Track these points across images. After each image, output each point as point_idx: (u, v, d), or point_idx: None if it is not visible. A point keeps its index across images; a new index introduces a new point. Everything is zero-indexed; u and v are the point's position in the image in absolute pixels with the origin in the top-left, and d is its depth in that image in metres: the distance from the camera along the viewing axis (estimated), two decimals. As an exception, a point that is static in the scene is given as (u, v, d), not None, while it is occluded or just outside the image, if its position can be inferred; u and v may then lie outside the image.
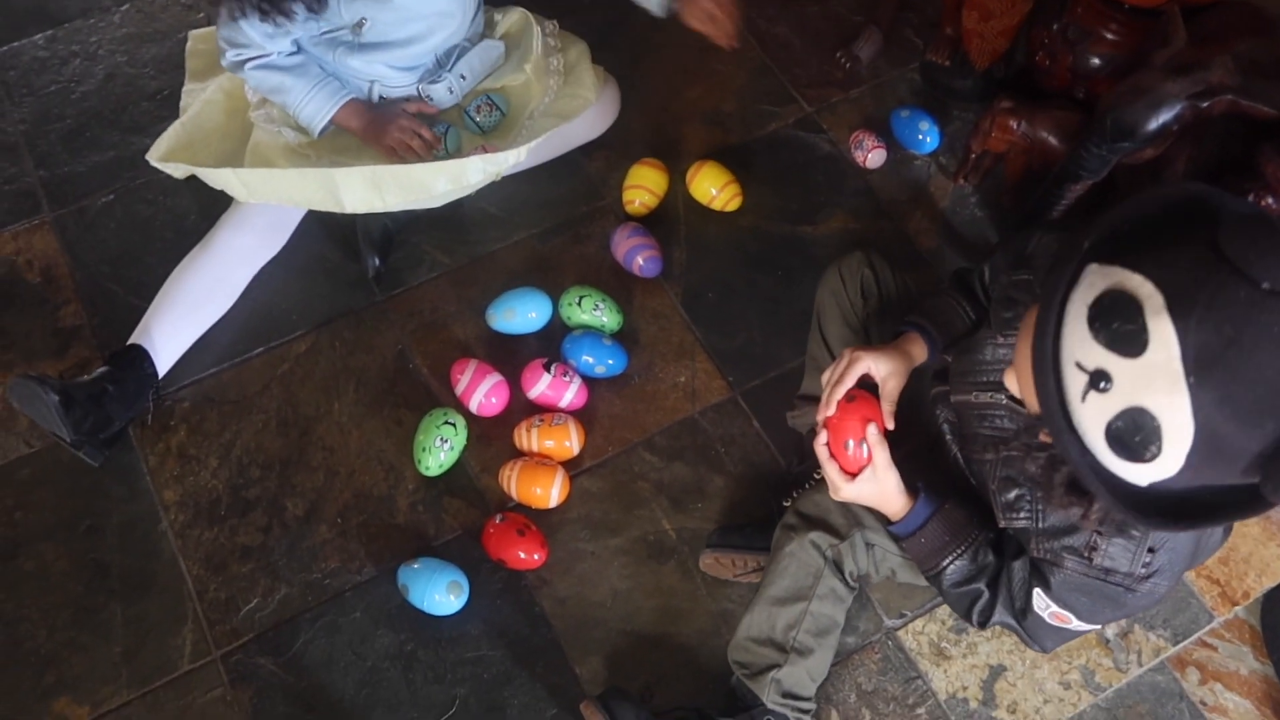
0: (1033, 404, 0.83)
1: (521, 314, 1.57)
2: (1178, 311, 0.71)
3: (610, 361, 1.54)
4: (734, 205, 1.70)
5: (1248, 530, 1.48)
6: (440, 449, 1.46)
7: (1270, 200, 1.31)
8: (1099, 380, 0.74)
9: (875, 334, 1.29)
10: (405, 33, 1.49)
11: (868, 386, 1.11)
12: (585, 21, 1.86)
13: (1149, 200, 0.80)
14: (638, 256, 1.61)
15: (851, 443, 1.08)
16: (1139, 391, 0.73)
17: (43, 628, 1.40)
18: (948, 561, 1.08)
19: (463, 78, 1.58)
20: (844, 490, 1.09)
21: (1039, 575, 1.03)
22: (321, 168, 1.50)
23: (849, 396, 1.09)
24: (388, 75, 1.54)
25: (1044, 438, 0.93)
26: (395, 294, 1.64)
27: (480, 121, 1.60)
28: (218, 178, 1.51)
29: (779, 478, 1.47)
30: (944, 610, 1.41)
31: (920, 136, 1.76)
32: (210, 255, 1.56)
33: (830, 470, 1.09)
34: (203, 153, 1.57)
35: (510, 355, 1.57)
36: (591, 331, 1.57)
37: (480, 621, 1.40)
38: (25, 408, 1.43)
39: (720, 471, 1.50)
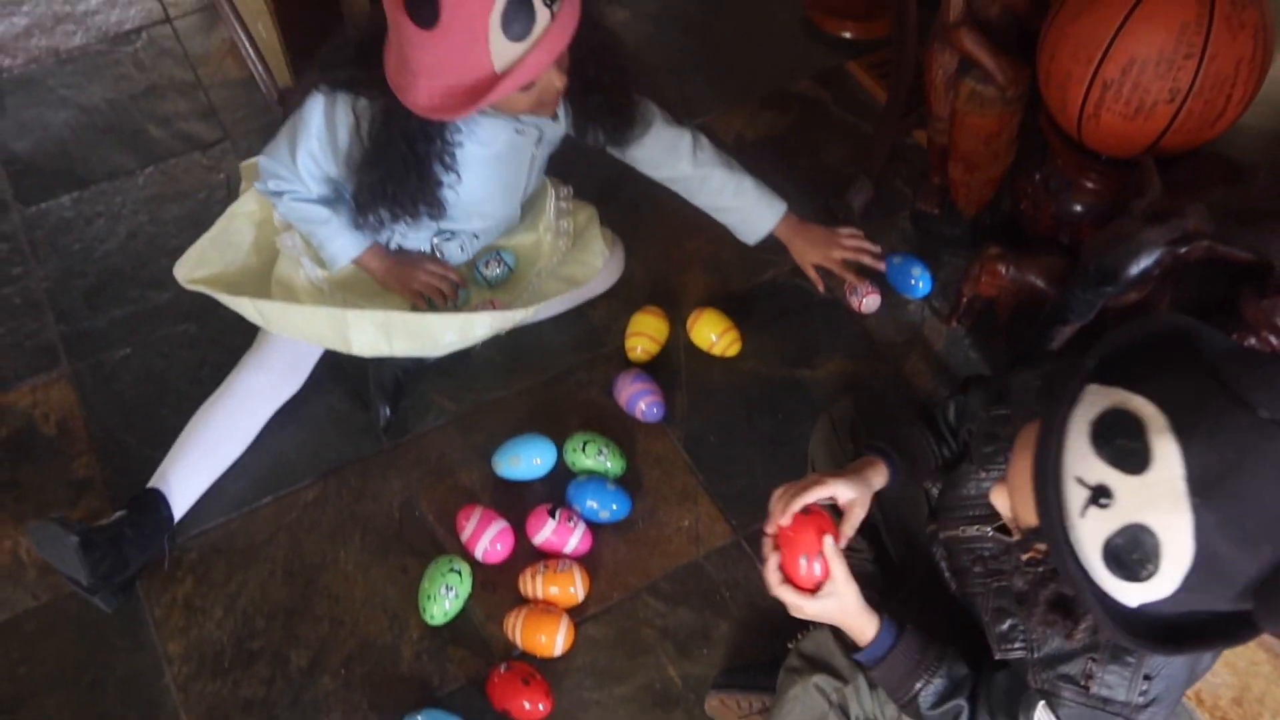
0: (1024, 519, 0.84)
1: (526, 460, 1.60)
2: (1182, 432, 0.72)
3: (614, 506, 1.56)
4: (734, 350, 1.74)
5: (1260, 669, 1.46)
6: (445, 597, 1.46)
7: (1252, 340, 1.35)
8: (1100, 496, 0.75)
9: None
10: (446, 223, 1.58)
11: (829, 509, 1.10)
12: (589, 173, 1.94)
13: (1136, 329, 0.83)
14: (640, 402, 1.65)
15: (805, 558, 1.04)
16: (1140, 508, 0.74)
17: (41, 787, 1.38)
18: (921, 685, 1.05)
19: (476, 237, 1.65)
20: (806, 608, 1.05)
21: (1048, 706, 1.02)
22: (335, 307, 1.55)
23: (803, 510, 1.06)
24: (408, 231, 1.61)
25: (1029, 555, 0.94)
26: (402, 441, 1.67)
27: (489, 276, 1.67)
28: (236, 305, 1.56)
29: (783, 618, 1.46)
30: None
31: (913, 281, 1.81)
32: (228, 396, 1.60)
33: (784, 592, 1.05)
34: (228, 273, 1.62)
35: (515, 501, 1.58)
36: (596, 477, 1.58)
37: (484, 775, 1.38)
38: (46, 551, 1.44)
39: (725, 616, 1.50)
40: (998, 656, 1.04)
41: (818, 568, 1.04)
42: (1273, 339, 1.34)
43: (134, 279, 1.87)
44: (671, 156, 1.65)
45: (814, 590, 1.05)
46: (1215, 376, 0.74)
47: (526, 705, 1.38)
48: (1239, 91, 1.40)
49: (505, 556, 1.52)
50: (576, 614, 1.48)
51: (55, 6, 2.37)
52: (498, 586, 1.52)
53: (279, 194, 1.52)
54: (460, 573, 1.48)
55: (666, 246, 1.90)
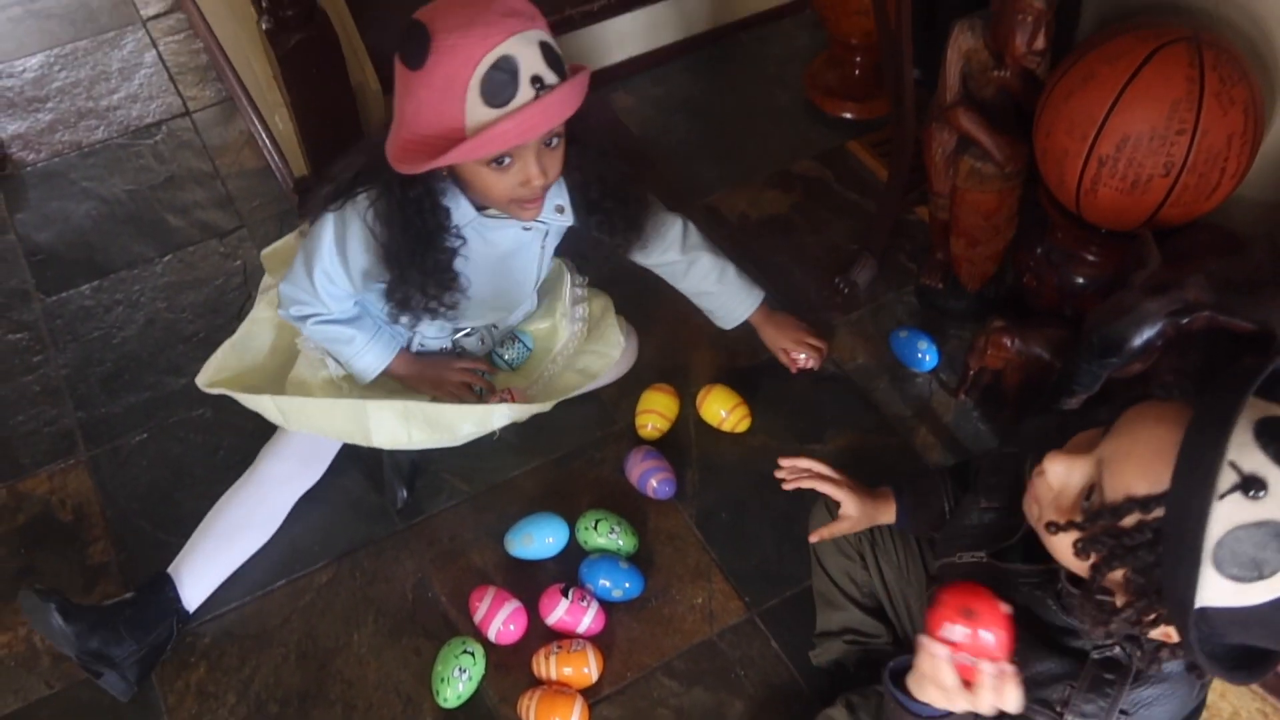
0: (1115, 488, 0.81)
1: (539, 539, 1.60)
2: None
3: (627, 585, 1.55)
4: (744, 426, 1.75)
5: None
6: (459, 679, 1.46)
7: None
8: (1251, 486, 0.75)
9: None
10: (463, 320, 1.61)
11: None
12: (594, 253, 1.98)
13: None
14: (651, 479, 1.66)
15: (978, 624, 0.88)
16: None
17: None
18: None
19: (495, 328, 1.68)
20: (951, 695, 0.90)
21: None
22: (355, 399, 1.57)
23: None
24: (428, 331, 1.63)
25: (1074, 537, 0.87)
26: (415, 522, 1.68)
27: (507, 358, 1.69)
28: (257, 404, 1.58)
29: (800, 703, 1.46)
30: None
31: (920, 355, 1.83)
32: (247, 485, 1.61)
33: (944, 675, 0.89)
34: (248, 376, 1.64)
35: (528, 581, 1.58)
36: (608, 555, 1.59)
37: None
38: (35, 623, 1.46)
39: (740, 695, 1.48)
40: None
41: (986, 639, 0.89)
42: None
43: (151, 365, 1.90)
44: (662, 244, 1.69)
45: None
46: None
47: (541, 789, 1.37)
48: (1232, 165, 1.43)
49: (518, 637, 1.52)
50: (590, 695, 1.47)
51: (79, 103, 2.44)
52: (511, 668, 1.51)
53: (302, 318, 1.54)
54: (473, 654, 1.48)
55: (674, 324, 1.92)
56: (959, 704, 0.90)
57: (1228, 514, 0.75)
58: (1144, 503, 0.79)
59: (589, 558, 1.58)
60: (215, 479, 1.68)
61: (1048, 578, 0.98)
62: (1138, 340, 1.37)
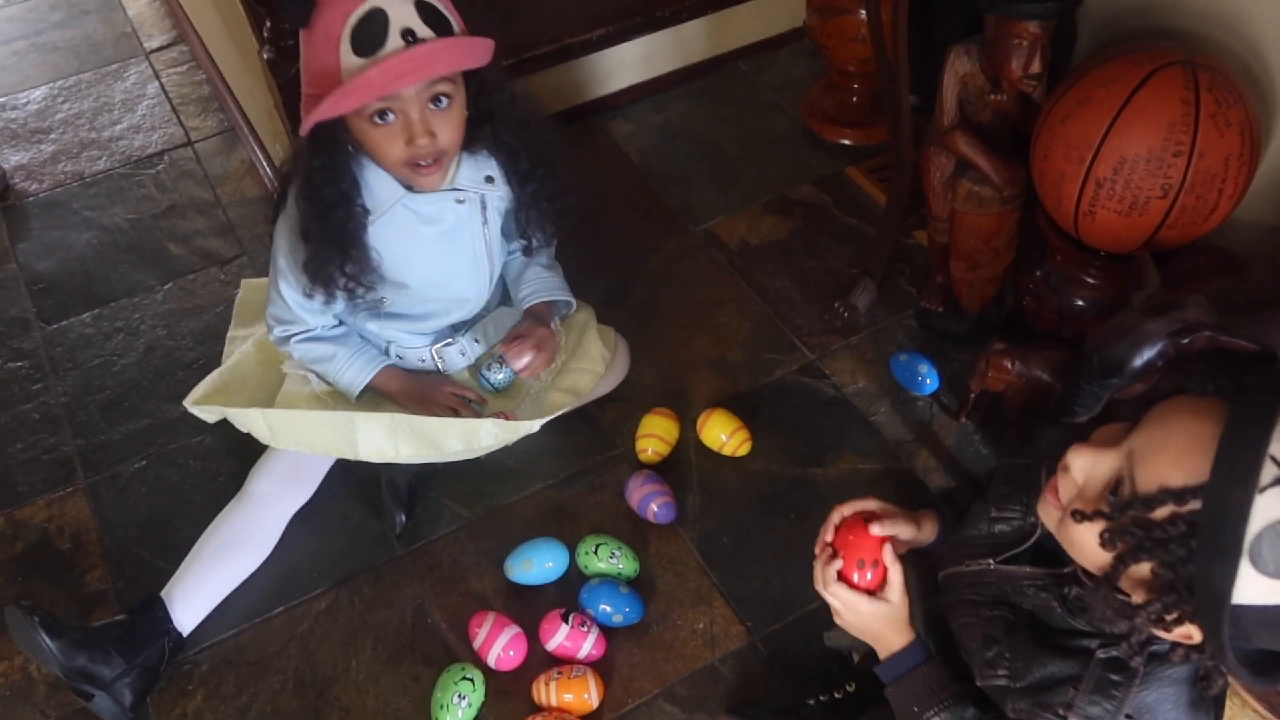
0: (1147, 480, 0.80)
1: (539, 564, 1.59)
2: None
3: (628, 610, 1.54)
4: (744, 450, 1.74)
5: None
6: (458, 706, 1.44)
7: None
8: None
9: None
10: (422, 310, 1.60)
11: None
12: (595, 282, 1.99)
13: None
14: (652, 503, 1.65)
15: (862, 563, 1.06)
16: None
17: None
18: (932, 713, 1.04)
19: (476, 341, 1.68)
20: (860, 607, 1.05)
21: None
22: (342, 411, 1.57)
23: (863, 519, 1.08)
24: (403, 338, 1.64)
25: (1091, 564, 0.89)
26: (414, 548, 1.67)
27: (493, 381, 1.69)
28: (245, 419, 1.58)
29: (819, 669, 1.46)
30: None
31: (920, 379, 1.83)
32: (237, 506, 1.61)
33: (838, 590, 1.05)
34: (237, 398, 1.65)
35: (528, 606, 1.57)
36: (608, 580, 1.58)
37: None
38: (18, 640, 1.44)
39: (743, 721, 1.47)
40: (979, 683, 1.03)
41: (870, 575, 1.06)
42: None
43: (150, 392, 1.90)
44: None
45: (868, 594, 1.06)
46: None
47: (541, 818, 1.35)
48: (1230, 186, 1.43)
49: (518, 663, 1.51)
50: (591, 722, 1.46)
51: (82, 134, 2.46)
52: (511, 694, 1.49)
53: (286, 338, 1.57)
54: (473, 681, 1.46)
55: (673, 349, 1.92)
56: (867, 619, 1.06)
57: (1267, 508, 0.74)
58: (1179, 494, 0.78)
59: (589, 583, 1.57)
60: (214, 506, 1.68)
61: (1054, 581, 0.97)
62: (1138, 361, 1.37)
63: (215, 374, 1.69)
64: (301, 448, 1.58)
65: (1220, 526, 0.75)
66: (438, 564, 1.65)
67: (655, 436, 1.73)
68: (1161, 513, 0.79)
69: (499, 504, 1.71)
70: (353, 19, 1.24)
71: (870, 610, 1.06)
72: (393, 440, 1.54)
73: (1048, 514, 0.91)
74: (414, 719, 1.48)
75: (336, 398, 1.63)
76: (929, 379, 1.83)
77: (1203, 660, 0.87)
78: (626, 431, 1.79)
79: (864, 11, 2.01)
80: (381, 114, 1.31)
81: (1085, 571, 0.92)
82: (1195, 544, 0.77)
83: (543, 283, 1.68)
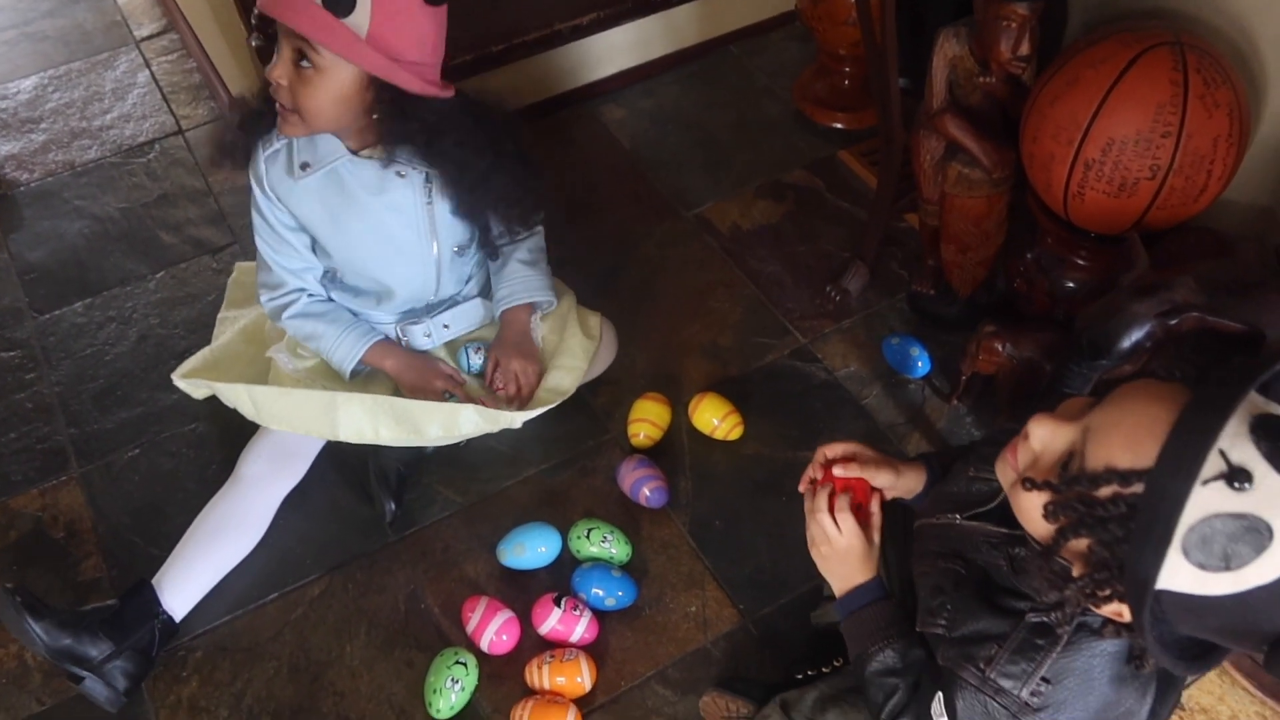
0: (1098, 458, 0.81)
1: (531, 549, 1.60)
2: None
3: (620, 593, 1.55)
4: (736, 434, 1.75)
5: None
6: (451, 690, 1.45)
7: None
8: (1237, 478, 0.74)
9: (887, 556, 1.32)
10: (367, 286, 1.63)
11: None
12: (585, 268, 1.99)
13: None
14: (644, 488, 1.65)
15: (861, 505, 1.12)
16: (1275, 509, 0.73)
17: None
18: (877, 649, 1.08)
19: (445, 327, 1.69)
20: (838, 541, 1.10)
21: (946, 690, 1.01)
22: (325, 391, 1.58)
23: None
24: (369, 313, 1.66)
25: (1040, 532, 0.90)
26: (407, 534, 1.67)
27: (475, 366, 1.69)
28: (231, 394, 1.60)
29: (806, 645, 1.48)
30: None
31: (912, 362, 1.83)
32: (227, 489, 1.61)
33: (824, 519, 1.11)
34: (225, 375, 1.67)
35: (521, 591, 1.58)
36: (601, 564, 1.58)
37: None
38: (5, 622, 1.45)
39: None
40: (918, 628, 1.06)
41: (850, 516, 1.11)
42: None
43: (143, 381, 1.90)
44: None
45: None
46: None
47: (535, 800, 1.36)
48: (1219, 168, 1.43)
49: (511, 647, 1.51)
50: (584, 704, 1.46)
51: (72, 123, 2.45)
52: (504, 678, 1.50)
53: (278, 310, 1.61)
54: (466, 665, 1.47)
55: (665, 334, 1.92)
56: (843, 552, 1.11)
57: (1206, 501, 0.75)
58: (1124, 476, 0.78)
59: (582, 567, 1.58)
60: (207, 493, 1.68)
61: (1006, 540, 0.98)
62: (1127, 342, 1.37)
63: (205, 350, 1.72)
64: (284, 426, 1.58)
65: (1156, 513, 0.76)
66: (430, 549, 1.65)
67: (647, 421, 1.74)
68: (1105, 492, 0.80)
69: (491, 489, 1.72)
70: None
71: (847, 545, 1.10)
72: (373, 422, 1.55)
73: (1004, 474, 0.92)
74: (408, 703, 1.49)
75: (322, 378, 1.63)
76: (921, 362, 1.83)
77: (1134, 639, 0.88)
78: (618, 416, 1.79)
79: (854, -6, 2.01)
80: (275, 44, 1.37)
81: (1031, 537, 0.93)
82: (1132, 526, 0.78)
83: (521, 283, 1.67)
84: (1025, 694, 0.93)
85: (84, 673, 1.44)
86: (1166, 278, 1.40)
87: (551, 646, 1.51)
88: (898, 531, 1.32)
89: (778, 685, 1.36)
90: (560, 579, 1.59)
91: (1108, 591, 0.82)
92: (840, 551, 1.11)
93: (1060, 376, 1.49)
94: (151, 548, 1.65)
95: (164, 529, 1.66)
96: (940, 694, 1.01)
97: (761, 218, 2.14)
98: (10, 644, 1.57)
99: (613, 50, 2.37)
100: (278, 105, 1.41)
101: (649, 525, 1.66)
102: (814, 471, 1.15)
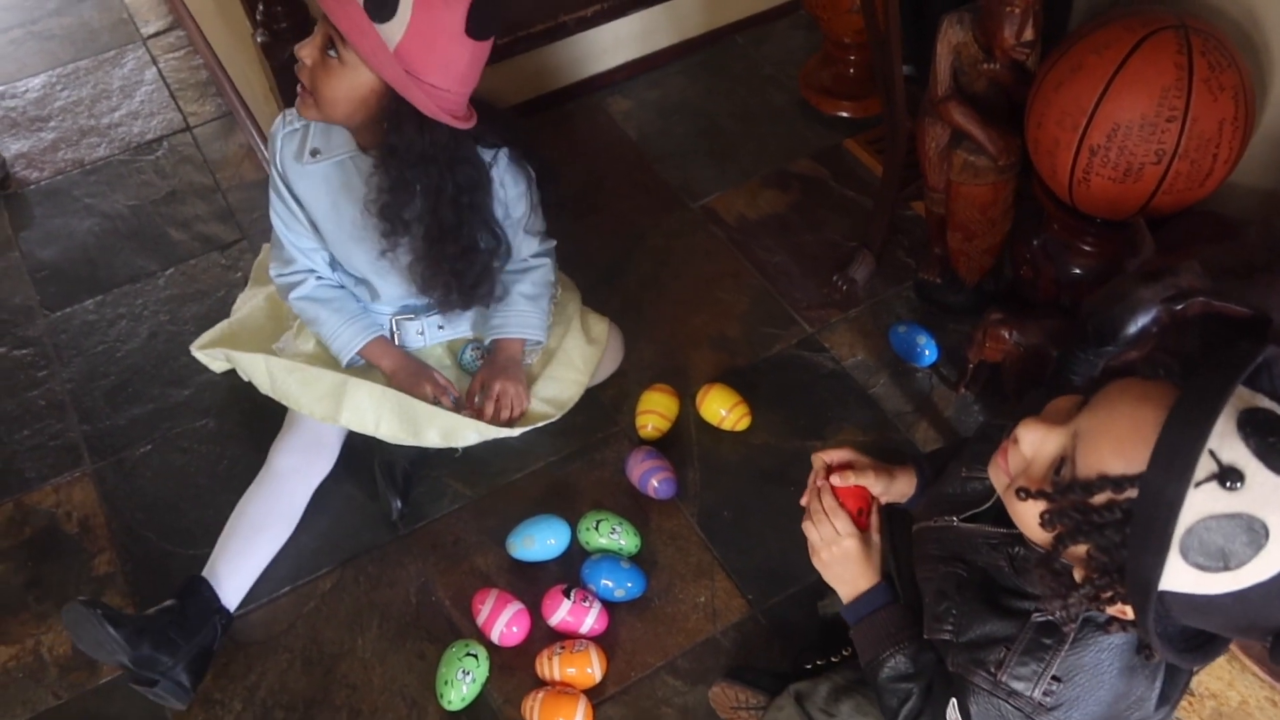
0: (1088, 465, 0.81)
1: (541, 541, 1.60)
2: None
3: (629, 584, 1.56)
4: (743, 425, 1.75)
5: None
6: (462, 681, 1.46)
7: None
8: (1229, 478, 0.73)
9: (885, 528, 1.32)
10: (359, 274, 1.65)
11: None
12: (591, 260, 1.99)
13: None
14: (652, 479, 1.66)
15: (862, 510, 1.14)
16: (1265, 506, 0.73)
17: None
18: (888, 655, 1.08)
19: (440, 328, 1.70)
20: (834, 543, 1.11)
21: (959, 696, 1.01)
22: (338, 373, 1.60)
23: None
24: (368, 302, 1.68)
25: (1036, 536, 0.90)
26: (418, 527, 1.68)
27: (469, 365, 1.72)
28: (249, 363, 1.64)
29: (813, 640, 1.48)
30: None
31: (919, 350, 1.83)
32: (263, 484, 1.63)
33: (821, 525, 1.12)
34: (244, 347, 1.70)
35: (531, 583, 1.59)
36: (610, 555, 1.59)
37: None
38: (79, 637, 1.43)
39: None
40: (926, 635, 1.06)
41: (852, 521, 1.12)
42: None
43: (155, 377, 1.92)
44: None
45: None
46: None
47: (546, 790, 1.37)
48: (1224, 151, 1.43)
49: (521, 639, 1.52)
50: (594, 695, 1.47)
51: (81, 121, 2.47)
52: (515, 669, 1.51)
53: (287, 287, 1.64)
54: (477, 656, 1.48)
55: (672, 325, 1.93)
56: (842, 557, 1.12)
57: (1201, 503, 0.74)
58: (1117, 482, 0.78)
59: (591, 558, 1.59)
60: (219, 488, 1.70)
61: (1006, 540, 0.98)
62: (1132, 327, 1.37)
63: (224, 323, 1.77)
64: (290, 402, 1.60)
65: (1153, 518, 0.75)
66: (441, 542, 1.66)
67: (655, 413, 1.74)
68: (1100, 498, 0.79)
69: (501, 482, 1.73)
70: None
71: (844, 545, 1.11)
72: (375, 413, 1.57)
73: (997, 478, 0.92)
74: (419, 695, 1.50)
75: (320, 364, 1.65)
76: (928, 350, 1.83)
77: (1140, 634, 0.88)
78: (626, 408, 1.79)
79: (858, -18, 2.00)
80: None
81: (1031, 541, 0.93)
82: (1129, 531, 0.78)
83: (517, 317, 1.67)
84: (1038, 694, 0.93)
85: (157, 676, 1.44)
86: (1172, 263, 1.39)
87: (561, 638, 1.52)
88: (898, 537, 1.33)
89: (787, 675, 1.36)
90: (570, 571, 1.59)
91: (1110, 594, 0.82)
92: (839, 554, 1.11)
93: (1067, 363, 1.49)
94: (165, 542, 1.67)
95: (178, 524, 1.68)
96: (954, 700, 1.01)
97: (768, 207, 2.14)
98: (27, 639, 1.59)
99: (618, 42, 2.37)
100: (299, 83, 1.43)
101: (657, 516, 1.67)
102: (817, 480, 1.15)
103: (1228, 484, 0.73)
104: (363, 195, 1.51)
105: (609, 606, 1.55)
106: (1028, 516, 0.86)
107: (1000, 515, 0.98)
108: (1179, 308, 1.36)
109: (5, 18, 2.79)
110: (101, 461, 1.80)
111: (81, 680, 1.53)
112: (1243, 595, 0.75)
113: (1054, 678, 0.93)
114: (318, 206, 1.57)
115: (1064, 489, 0.82)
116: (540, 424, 1.65)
